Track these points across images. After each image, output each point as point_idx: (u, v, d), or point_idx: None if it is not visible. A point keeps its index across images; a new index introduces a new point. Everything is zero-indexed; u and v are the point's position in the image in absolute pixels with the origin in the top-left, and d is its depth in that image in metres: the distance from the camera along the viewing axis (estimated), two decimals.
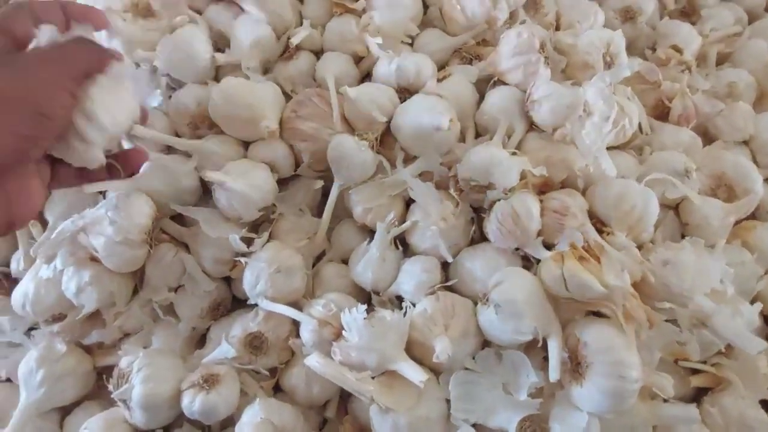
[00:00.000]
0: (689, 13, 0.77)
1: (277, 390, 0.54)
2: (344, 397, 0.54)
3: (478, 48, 0.61)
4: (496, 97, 0.55)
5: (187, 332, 0.55)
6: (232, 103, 0.53)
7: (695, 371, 0.53)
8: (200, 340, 0.57)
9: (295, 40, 0.58)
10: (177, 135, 0.57)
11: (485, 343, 0.49)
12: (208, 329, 0.56)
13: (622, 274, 0.43)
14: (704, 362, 0.52)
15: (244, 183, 0.51)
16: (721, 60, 0.73)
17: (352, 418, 0.52)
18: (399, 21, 0.59)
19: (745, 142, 0.66)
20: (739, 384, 0.51)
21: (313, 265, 0.56)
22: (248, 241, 0.53)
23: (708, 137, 0.65)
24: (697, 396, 0.53)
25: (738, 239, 0.58)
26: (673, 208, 0.58)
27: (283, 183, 0.57)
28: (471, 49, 0.60)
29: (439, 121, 0.49)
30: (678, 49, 0.68)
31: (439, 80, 0.57)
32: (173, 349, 0.55)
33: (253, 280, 0.51)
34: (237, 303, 0.58)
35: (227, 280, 0.57)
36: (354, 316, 0.46)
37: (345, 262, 0.56)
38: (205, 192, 0.57)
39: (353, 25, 0.59)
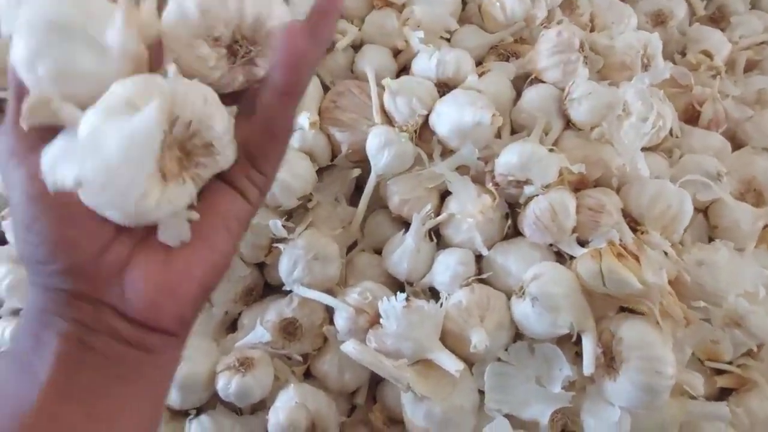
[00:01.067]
0: (718, 20, 0.77)
1: (307, 376, 0.55)
2: (372, 385, 0.54)
3: (515, 45, 0.61)
4: (533, 95, 0.56)
5: (220, 316, 0.56)
6: None
7: (720, 371, 0.53)
8: (230, 326, 0.58)
9: (341, 45, 0.58)
10: None
11: (516, 338, 0.49)
12: (239, 315, 0.57)
13: (660, 272, 0.44)
14: (730, 363, 0.53)
15: (286, 172, 0.51)
16: (748, 68, 0.73)
17: (381, 405, 0.53)
18: (439, 16, 0.59)
19: None
20: (765, 385, 0.51)
21: (346, 255, 0.57)
22: (286, 229, 0.53)
23: (736, 143, 0.65)
24: (719, 397, 0.54)
25: (765, 244, 0.58)
26: (702, 211, 0.59)
27: (317, 172, 0.57)
28: (508, 46, 0.61)
29: (481, 116, 0.50)
30: (708, 55, 0.69)
31: None
32: (206, 332, 0.55)
33: (290, 266, 0.52)
34: (268, 289, 0.58)
35: (260, 267, 0.58)
36: (393, 304, 0.46)
37: (377, 252, 0.57)
38: None
39: (393, 19, 0.60)
